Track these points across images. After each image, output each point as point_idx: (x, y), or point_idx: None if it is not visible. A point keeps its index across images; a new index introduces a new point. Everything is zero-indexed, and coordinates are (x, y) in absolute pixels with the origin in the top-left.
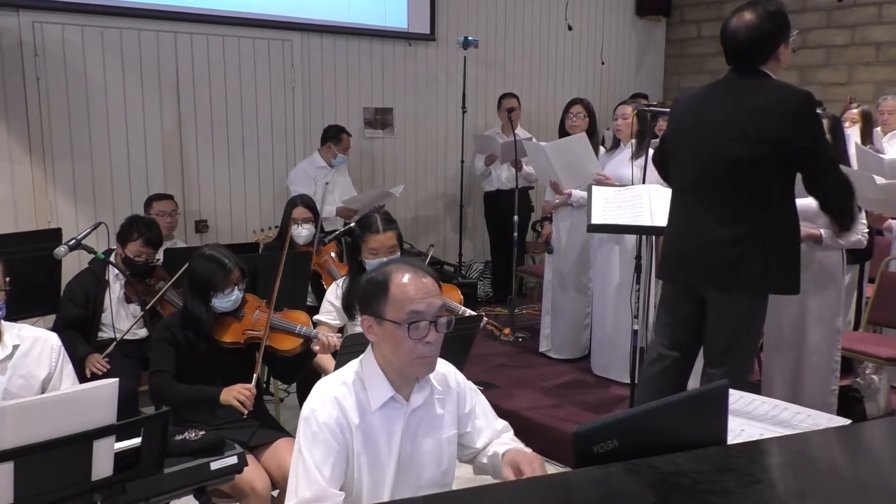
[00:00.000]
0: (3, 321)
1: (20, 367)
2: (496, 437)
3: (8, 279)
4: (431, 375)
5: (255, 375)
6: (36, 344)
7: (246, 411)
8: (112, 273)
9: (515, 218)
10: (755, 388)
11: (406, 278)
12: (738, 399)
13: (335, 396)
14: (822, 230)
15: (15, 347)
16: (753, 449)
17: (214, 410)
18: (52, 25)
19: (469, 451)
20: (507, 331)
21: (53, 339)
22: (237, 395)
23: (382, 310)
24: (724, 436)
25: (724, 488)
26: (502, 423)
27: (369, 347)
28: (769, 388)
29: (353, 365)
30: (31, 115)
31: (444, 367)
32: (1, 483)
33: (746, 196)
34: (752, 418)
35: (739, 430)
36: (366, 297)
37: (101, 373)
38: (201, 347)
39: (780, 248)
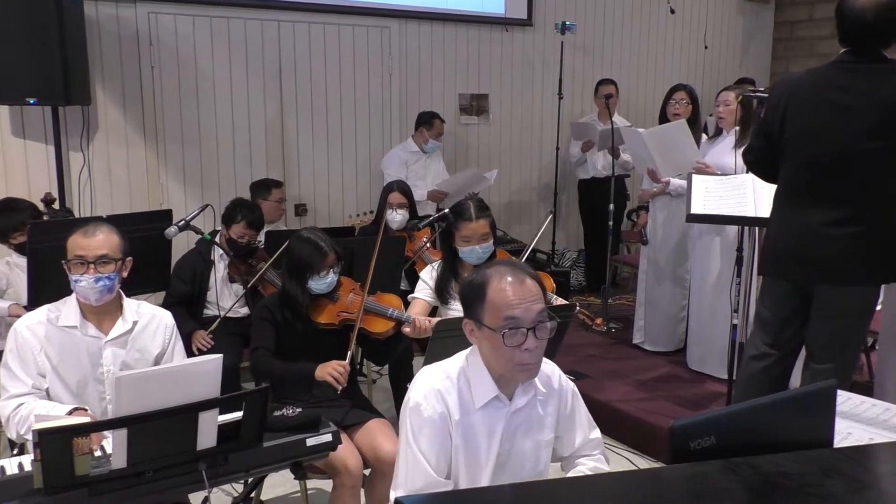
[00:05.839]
0: (125, 297)
1: (137, 341)
2: (585, 444)
3: (130, 259)
4: (536, 377)
5: (349, 354)
6: (153, 321)
7: (340, 387)
8: (217, 253)
9: (611, 206)
10: (867, 390)
11: (504, 282)
12: (845, 400)
13: (439, 390)
14: None
15: (135, 323)
16: (863, 453)
17: (311, 387)
18: (166, 16)
19: (558, 453)
20: (599, 321)
21: (168, 318)
22: (332, 371)
23: (480, 314)
24: (831, 438)
25: (832, 493)
26: (596, 433)
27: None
28: (882, 389)
29: (459, 359)
30: (146, 102)
31: (548, 367)
32: (116, 447)
33: (869, 187)
34: (860, 421)
35: (846, 434)
36: (466, 300)
37: (206, 349)
38: (298, 327)
39: None
